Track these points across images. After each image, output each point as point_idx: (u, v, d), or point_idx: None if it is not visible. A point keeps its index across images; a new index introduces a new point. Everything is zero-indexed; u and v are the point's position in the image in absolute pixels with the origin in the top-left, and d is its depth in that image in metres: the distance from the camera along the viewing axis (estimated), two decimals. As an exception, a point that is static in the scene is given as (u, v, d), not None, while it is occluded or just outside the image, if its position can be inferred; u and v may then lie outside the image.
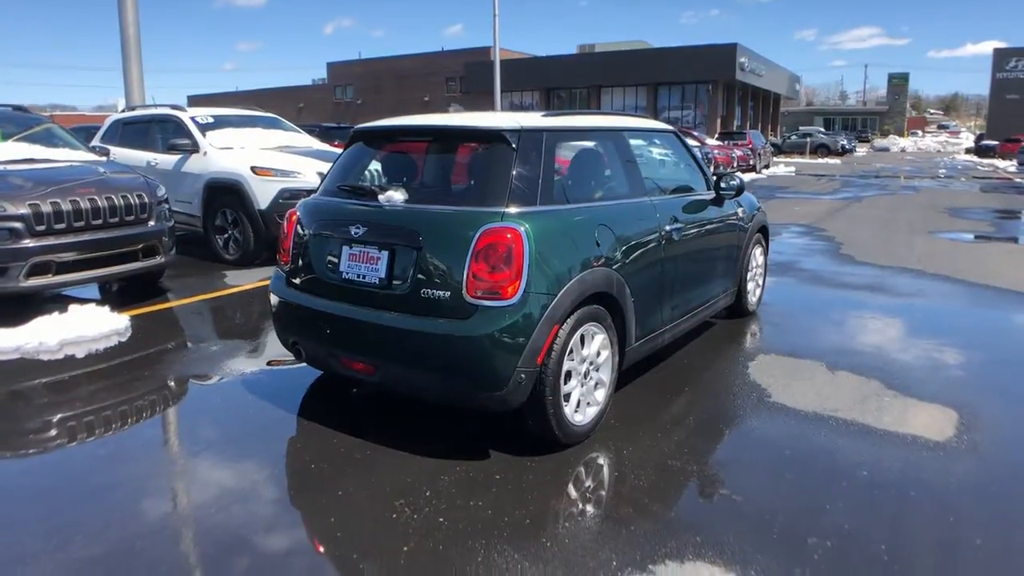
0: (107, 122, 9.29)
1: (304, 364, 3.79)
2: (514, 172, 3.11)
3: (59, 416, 3.68)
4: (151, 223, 5.99)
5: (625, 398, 3.88)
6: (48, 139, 6.71)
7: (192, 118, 8.18)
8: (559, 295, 3.01)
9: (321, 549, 2.49)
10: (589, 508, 2.84)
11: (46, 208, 5.27)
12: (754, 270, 5.55)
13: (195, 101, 55.55)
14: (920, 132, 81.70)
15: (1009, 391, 4.22)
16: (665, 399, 3.97)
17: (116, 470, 3.10)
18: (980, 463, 3.26)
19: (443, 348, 2.95)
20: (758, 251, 5.60)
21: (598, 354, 3.35)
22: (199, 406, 3.91)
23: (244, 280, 6.91)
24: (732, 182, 4.75)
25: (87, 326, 5.06)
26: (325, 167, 7.65)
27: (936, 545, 2.61)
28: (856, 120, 78.04)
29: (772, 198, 16.31)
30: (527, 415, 3.10)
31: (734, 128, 39.06)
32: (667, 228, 3.95)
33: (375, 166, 3.69)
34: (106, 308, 5.31)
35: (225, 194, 7.60)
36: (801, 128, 51.16)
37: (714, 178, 4.84)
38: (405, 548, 2.46)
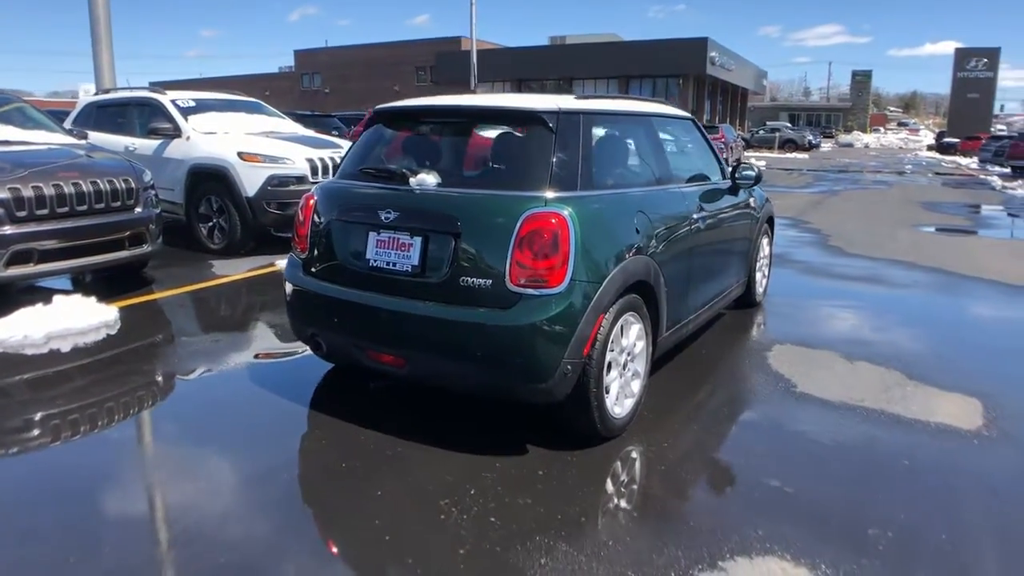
0: (79, 105, 8.90)
1: (313, 355, 3.63)
2: (554, 156, 2.99)
3: (51, 412, 3.46)
4: (138, 209, 5.71)
5: (650, 390, 3.78)
6: (21, 120, 6.34)
7: (173, 101, 7.86)
8: (604, 283, 2.90)
9: (373, 555, 2.34)
10: (641, 503, 2.74)
11: (27, 192, 4.97)
12: (762, 260, 5.51)
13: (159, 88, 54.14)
14: (882, 129, 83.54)
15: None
16: (690, 390, 3.89)
17: (127, 472, 2.91)
18: (1016, 451, 3.25)
19: (484, 339, 2.82)
20: (765, 241, 5.56)
21: (634, 344, 3.24)
22: (206, 402, 3.70)
23: (232, 270, 6.66)
24: (749, 172, 4.69)
25: (74, 318, 4.78)
26: (315, 153, 7.44)
27: (994, 532, 2.58)
28: (820, 116, 79.31)
29: (750, 191, 16.40)
30: (569, 408, 2.98)
31: (704, 122, 39.39)
32: (695, 216, 3.86)
33: (399, 148, 3.52)
34: (92, 299, 5.04)
35: (210, 180, 7.31)
36: (768, 123, 51.79)
37: (730, 167, 4.78)
38: (461, 551, 2.33)
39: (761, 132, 46.66)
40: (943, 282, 6.80)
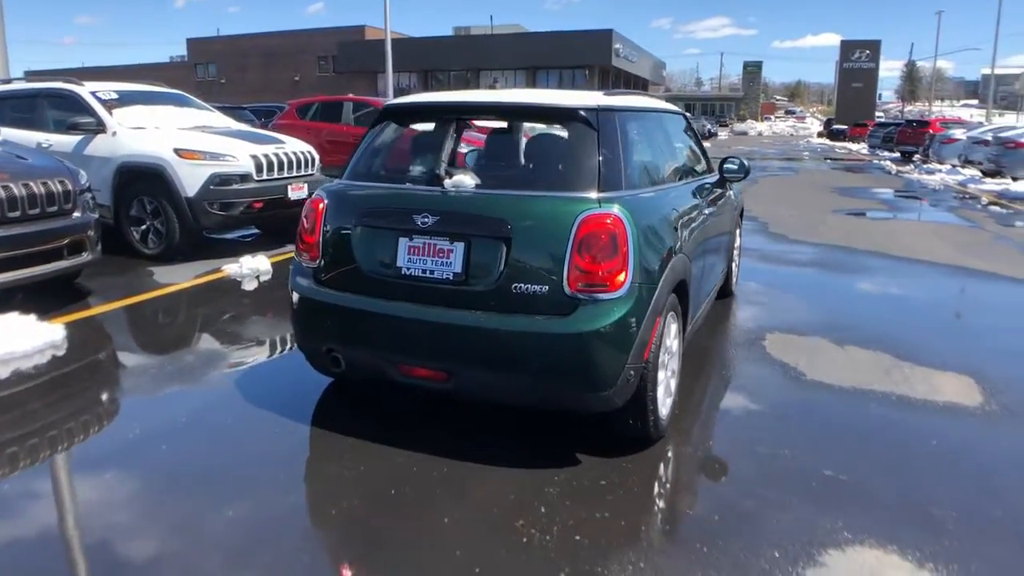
0: (-24, 98, 7.99)
1: (302, 371, 3.36)
2: (600, 154, 2.87)
3: (7, 445, 3.05)
4: (76, 214, 5.17)
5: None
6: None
7: (93, 93, 7.18)
8: (660, 284, 2.81)
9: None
10: (715, 504, 2.67)
11: (-49, 199, 4.40)
12: (736, 251, 5.59)
13: (35, 78, 49.94)
14: (772, 117, 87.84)
15: (1002, 354, 4.47)
16: (702, 384, 3.89)
17: (131, 510, 2.58)
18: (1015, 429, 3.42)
19: (542, 348, 2.67)
20: (739, 232, 5.64)
21: (673, 343, 3.18)
22: (199, 430, 3.28)
23: (176, 277, 6.15)
24: (732, 165, 4.70)
25: (16, 339, 4.27)
26: (258, 149, 6.98)
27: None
28: (714, 105, 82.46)
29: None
30: (627, 414, 2.87)
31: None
32: (706, 211, 3.84)
33: (420, 148, 3.28)
34: (32, 317, 4.52)
35: (143, 180, 6.73)
36: (668, 112, 53.21)
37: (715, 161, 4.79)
38: (562, 575, 2.18)
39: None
40: (889, 266, 7.13)
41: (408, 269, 2.88)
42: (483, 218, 2.78)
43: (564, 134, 2.99)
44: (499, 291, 2.73)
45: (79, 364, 4.10)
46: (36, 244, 4.84)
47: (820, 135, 51.93)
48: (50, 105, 7.36)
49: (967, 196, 13.94)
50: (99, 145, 6.91)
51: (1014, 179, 15.10)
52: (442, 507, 2.58)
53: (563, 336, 2.64)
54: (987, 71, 79.67)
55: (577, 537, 2.40)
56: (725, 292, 5.46)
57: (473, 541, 2.38)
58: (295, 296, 3.19)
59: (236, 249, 7.21)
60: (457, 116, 3.25)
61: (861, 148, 34.06)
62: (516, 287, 2.71)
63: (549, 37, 40.88)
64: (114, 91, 7.42)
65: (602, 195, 2.79)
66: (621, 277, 2.67)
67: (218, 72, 48.49)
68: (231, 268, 6.33)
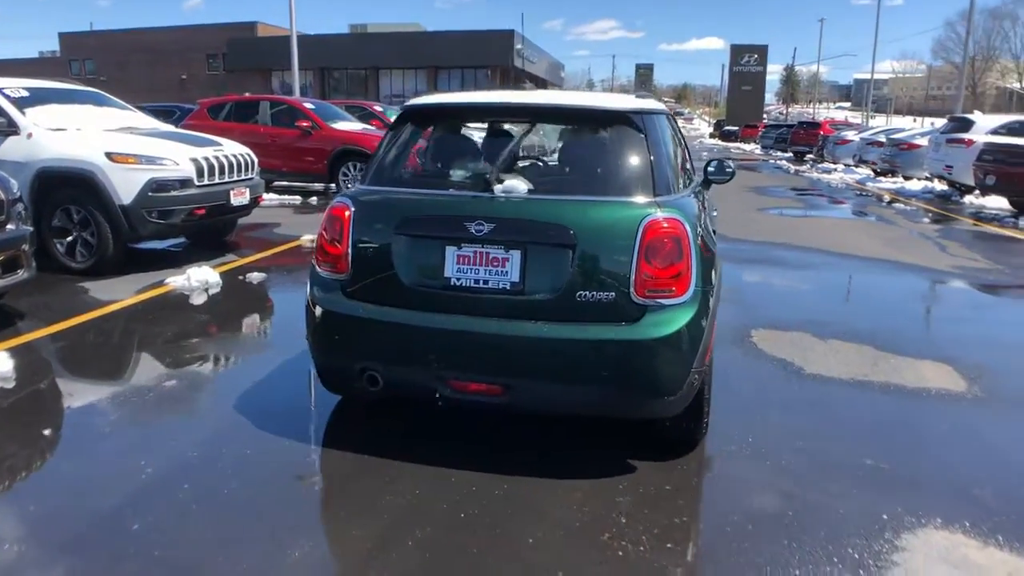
0: None
1: (305, 389, 3.14)
2: (651, 157, 2.84)
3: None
4: (10, 227, 4.62)
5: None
6: None
7: (0, 90, 6.47)
8: (715, 287, 2.81)
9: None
10: (785, 500, 2.70)
11: None
12: (705, 249, 5.70)
13: None
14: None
15: (964, 343, 4.77)
16: (713, 384, 3.92)
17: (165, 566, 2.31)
18: (1010, 406, 3.73)
19: (611, 356, 2.60)
20: (707, 231, 5.75)
21: (710, 345, 3.18)
22: (215, 463, 2.95)
23: (116, 294, 5.61)
24: (716, 167, 4.74)
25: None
26: (198, 152, 6.52)
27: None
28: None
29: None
30: (685, 417, 2.85)
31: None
32: (712, 214, 3.88)
33: (456, 151, 3.11)
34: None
35: (67, 187, 6.11)
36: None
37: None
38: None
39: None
40: (835, 261, 7.51)
41: (458, 280, 2.73)
42: (545, 225, 2.67)
43: (609, 137, 2.93)
44: (562, 300, 2.63)
45: (25, 394, 3.66)
46: (-33, 261, 4.30)
47: (712, 136, 54.35)
48: (-54, 105, 6.57)
49: (868, 194, 14.97)
50: (10, 149, 6.22)
51: (906, 178, 16.35)
52: (521, 527, 2.47)
53: (634, 343, 2.59)
54: (859, 76, 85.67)
55: (669, 545, 2.37)
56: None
57: (570, 561, 2.29)
58: (318, 311, 2.95)
59: (170, 260, 6.70)
60: (493, 118, 3.10)
61: (754, 148, 35.90)
62: (581, 295, 2.62)
63: (450, 37, 40.67)
64: (23, 88, 6.72)
65: (658, 199, 2.76)
66: (686, 282, 2.65)
67: (96, 69, 45.16)
68: (177, 281, 5.85)
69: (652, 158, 2.84)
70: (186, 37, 43.34)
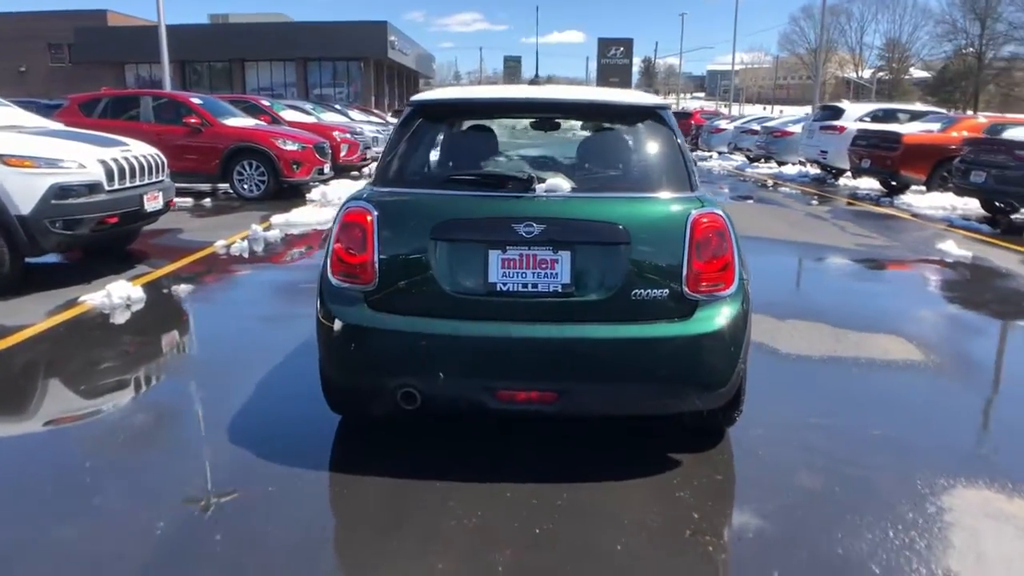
0: None
1: (306, 412, 2.93)
2: (681, 152, 2.87)
3: None
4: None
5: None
6: None
7: None
8: (749, 277, 2.86)
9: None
10: (828, 477, 2.82)
11: None
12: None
13: None
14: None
15: (903, 317, 5.17)
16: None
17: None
18: (968, 370, 4.15)
19: (669, 353, 2.59)
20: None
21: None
22: (237, 504, 2.65)
23: (24, 317, 4.90)
24: None
25: None
26: (106, 154, 5.89)
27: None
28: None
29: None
30: (726, 407, 2.90)
31: (385, 106, 39.61)
32: None
33: (481, 150, 2.95)
34: None
35: (-50, 198, 5.34)
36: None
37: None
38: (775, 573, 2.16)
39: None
40: (752, 245, 7.79)
41: (504, 285, 2.60)
42: (597, 223, 2.61)
43: (641, 133, 2.92)
44: (615, 299, 2.58)
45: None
46: None
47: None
48: None
49: (751, 179, 15.89)
50: None
51: (780, 163, 17.51)
52: (602, 535, 2.40)
53: (690, 339, 2.59)
54: (712, 67, 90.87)
55: (750, 535, 2.41)
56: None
57: (665, 563, 2.28)
58: (337, 326, 2.72)
59: (74, 276, 6.00)
60: (516, 114, 2.99)
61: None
62: (635, 293, 2.59)
63: (320, 28, 39.17)
64: None
65: (695, 194, 2.78)
66: (732, 274, 2.69)
67: (-89, 60, 39.97)
68: (95, 299, 5.25)
69: (683, 153, 2.86)
70: (24, 25, 39.04)
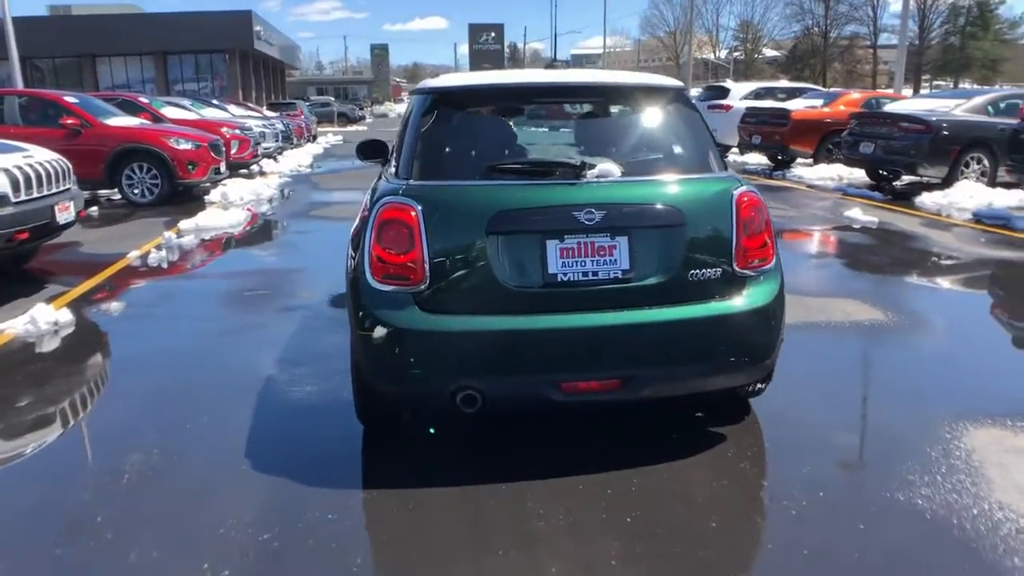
0: None
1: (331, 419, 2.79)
2: (710, 133, 2.93)
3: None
4: None
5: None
6: None
7: None
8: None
9: None
10: (854, 433, 3.03)
11: None
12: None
13: None
14: (405, 99, 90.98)
15: (850, 277, 5.56)
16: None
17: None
18: (921, 326, 4.57)
19: (726, 330, 2.64)
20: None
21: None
22: (293, 550, 2.40)
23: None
24: None
25: None
26: (8, 161, 5.27)
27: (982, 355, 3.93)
28: (347, 89, 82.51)
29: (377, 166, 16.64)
30: (763, 380, 2.99)
31: (253, 99, 37.75)
32: None
33: (512, 137, 2.84)
34: None
35: None
36: (312, 98, 51.99)
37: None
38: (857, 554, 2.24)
39: (317, 108, 46.73)
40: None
41: (564, 275, 2.54)
42: (654, 207, 2.61)
43: (673, 114, 2.94)
44: (673, 281, 2.59)
45: None
46: None
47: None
48: None
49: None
50: None
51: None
52: (691, 513, 2.44)
53: (744, 314, 2.65)
54: (576, 52, 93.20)
55: (821, 493, 2.54)
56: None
57: (768, 530, 2.37)
58: (387, 331, 2.53)
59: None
60: (544, 99, 2.92)
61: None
62: (692, 274, 2.61)
63: (180, 19, 36.61)
64: None
65: (728, 173, 2.84)
66: (771, 249, 2.79)
67: None
68: (16, 326, 4.67)
69: (711, 134, 2.91)
70: None
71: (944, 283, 5.72)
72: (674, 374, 2.67)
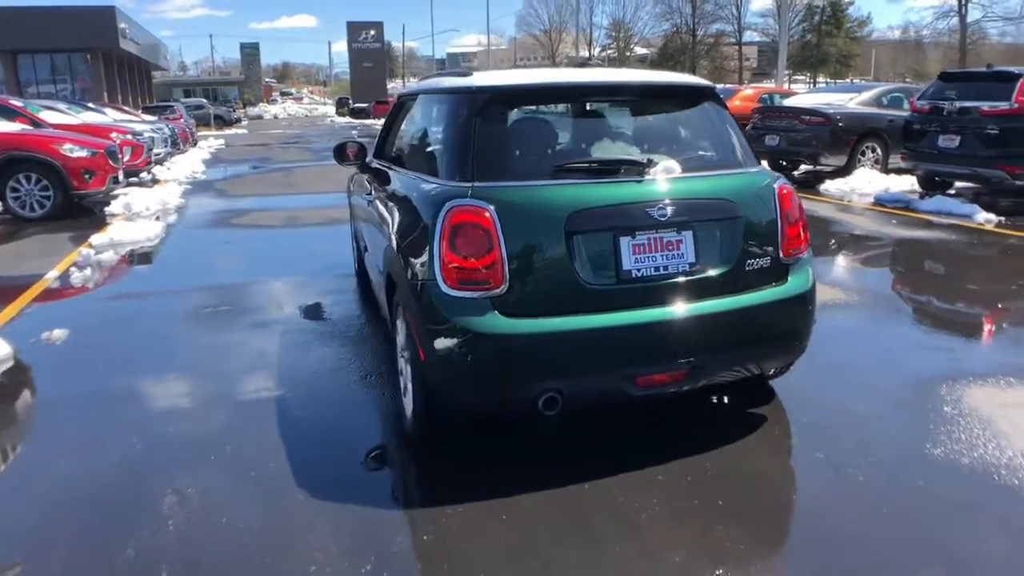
0: None
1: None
2: (741, 128, 3.08)
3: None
4: None
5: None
6: None
7: None
8: None
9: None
10: (872, 404, 3.26)
11: None
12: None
13: None
14: (279, 99, 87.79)
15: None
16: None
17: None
18: (898, 304, 5.04)
19: (778, 316, 2.82)
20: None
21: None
22: None
23: None
24: None
25: None
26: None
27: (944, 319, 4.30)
28: (216, 90, 78.55)
29: (276, 171, 16.03)
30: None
31: (120, 102, 35.25)
32: None
33: (567, 136, 2.86)
34: None
35: None
36: (183, 100, 49.14)
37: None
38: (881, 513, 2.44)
39: (192, 111, 44.16)
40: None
41: (638, 271, 2.60)
42: (714, 201, 2.74)
43: (708, 112, 3.05)
44: (733, 271, 2.73)
45: None
46: None
47: (340, 114, 54.15)
48: None
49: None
50: None
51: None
52: (778, 491, 2.63)
53: (792, 299, 2.84)
54: (451, 50, 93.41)
55: (871, 459, 2.79)
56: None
57: (849, 496, 2.54)
58: (468, 339, 2.48)
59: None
60: (595, 98, 2.98)
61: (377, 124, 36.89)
62: (749, 264, 2.77)
63: (33, 14, 33.29)
64: None
65: (764, 166, 3.01)
66: (807, 238, 2.98)
67: None
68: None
69: (742, 130, 3.08)
70: None
71: (892, 262, 6.41)
72: (734, 359, 2.80)
